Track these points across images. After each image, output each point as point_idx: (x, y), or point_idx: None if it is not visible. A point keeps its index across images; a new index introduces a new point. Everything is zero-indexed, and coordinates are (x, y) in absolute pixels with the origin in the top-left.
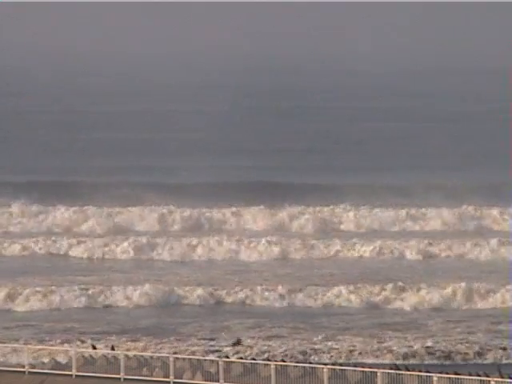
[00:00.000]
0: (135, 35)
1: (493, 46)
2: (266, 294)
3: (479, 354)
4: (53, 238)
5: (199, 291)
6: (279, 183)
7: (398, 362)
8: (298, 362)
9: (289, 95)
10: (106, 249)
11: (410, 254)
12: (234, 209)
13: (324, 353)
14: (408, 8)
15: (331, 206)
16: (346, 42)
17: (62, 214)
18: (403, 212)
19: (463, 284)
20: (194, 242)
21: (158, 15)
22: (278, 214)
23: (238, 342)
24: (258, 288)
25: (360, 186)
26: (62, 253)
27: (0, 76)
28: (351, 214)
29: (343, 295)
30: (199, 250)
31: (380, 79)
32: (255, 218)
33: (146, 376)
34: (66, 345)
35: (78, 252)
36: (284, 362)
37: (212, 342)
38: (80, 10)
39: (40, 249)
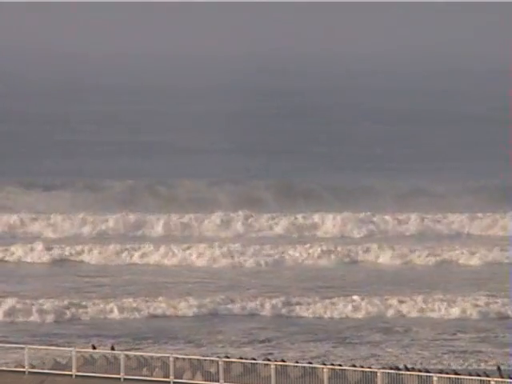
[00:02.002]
0: (131, 36)
1: (494, 47)
2: None
3: None
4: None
5: None
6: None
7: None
8: (297, 362)
9: (291, 95)
10: None
11: None
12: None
13: None
14: (408, 8)
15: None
16: (347, 42)
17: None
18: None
19: None
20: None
21: (157, 16)
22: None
23: None
24: None
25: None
26: None
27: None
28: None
29: None
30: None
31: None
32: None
33: (146, 376)
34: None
35: None
36: (284, 361)
37: None
38: (83, 10)
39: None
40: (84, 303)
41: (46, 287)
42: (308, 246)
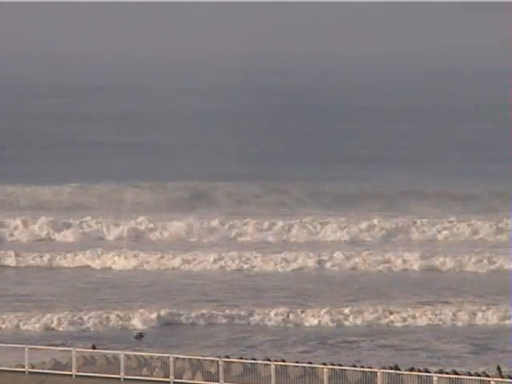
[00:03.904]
0: (131, 37)
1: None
2: None
3: None
4: None
5: None
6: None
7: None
8: (297, 362)
9: (291, 96)
10: None
11: None
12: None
13: None
14: (408, 8)
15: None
16: (347, 43)
17: None
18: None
19: None
20: None
21: (157, 16)
22: None
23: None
24: None
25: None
26: None
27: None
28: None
29: None
30: None
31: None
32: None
33: (146, 376)
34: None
35: None
36: (284, 361)
37: None
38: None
39: None
40: None
41: None
42: None
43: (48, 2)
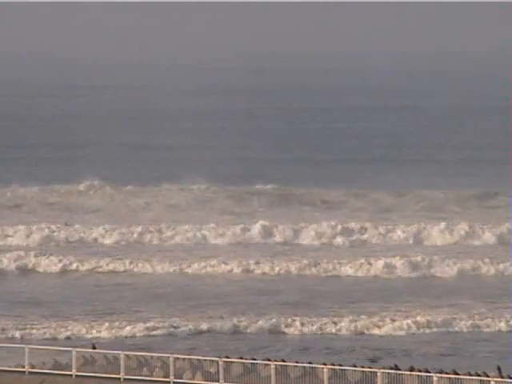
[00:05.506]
0: (131, 37)
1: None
2: None
3: None
4: None
5: None
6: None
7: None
8: (297, 362)
9: (290, 96)
10: None
11: None
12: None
13: None
14: (407, 9)
15: None
16: (346, 42)
17: None
18: None
19: None
20: None
21: (157, 16)
22: None
23: None
24: None
25: None
26: None
27: None
28: None
29: None
30: None
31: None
32: None
33: (146, 376)
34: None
35: None
36: (284, 361)
37: None
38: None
39: None
40: None
41: None
42: None
43: (48, 2)
